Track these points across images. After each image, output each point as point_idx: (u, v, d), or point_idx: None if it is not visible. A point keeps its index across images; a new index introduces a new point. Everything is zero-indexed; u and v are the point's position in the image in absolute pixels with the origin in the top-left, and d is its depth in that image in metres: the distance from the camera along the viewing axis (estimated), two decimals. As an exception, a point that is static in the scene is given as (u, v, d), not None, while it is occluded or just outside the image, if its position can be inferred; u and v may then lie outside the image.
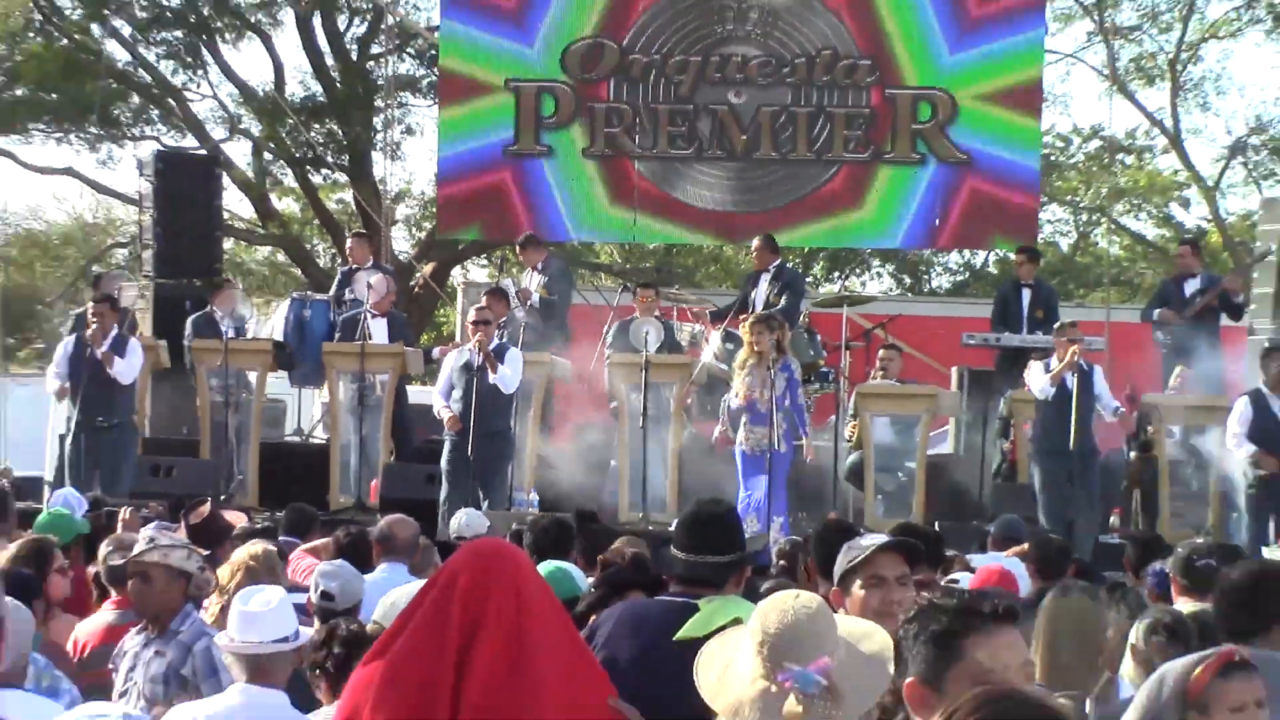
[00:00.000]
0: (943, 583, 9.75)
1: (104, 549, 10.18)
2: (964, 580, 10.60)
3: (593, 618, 7.82)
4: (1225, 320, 22.15)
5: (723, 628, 5.91)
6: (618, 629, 7.27)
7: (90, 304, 20.34)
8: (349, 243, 25.22)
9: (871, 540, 7.10)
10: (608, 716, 5.73)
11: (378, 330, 20.81)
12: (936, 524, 17.17)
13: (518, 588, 5.81)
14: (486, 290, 22.08)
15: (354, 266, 22.59)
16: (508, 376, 18.45)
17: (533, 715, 5.41)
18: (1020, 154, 27.44)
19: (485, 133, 27.16)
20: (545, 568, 8.21)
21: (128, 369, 19.58)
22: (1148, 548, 13.94)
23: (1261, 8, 47.56)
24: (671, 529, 8.07)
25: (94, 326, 19.59)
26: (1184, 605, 8.95)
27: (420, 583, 7.48)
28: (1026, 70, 27.47)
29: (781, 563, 12.07)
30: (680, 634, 6.64)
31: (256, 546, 9.70)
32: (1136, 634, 7.62)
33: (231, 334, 21.08)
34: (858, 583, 6.80)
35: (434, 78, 35.86)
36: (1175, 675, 6.14)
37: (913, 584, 6.80)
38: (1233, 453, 18.39)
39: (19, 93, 41.59)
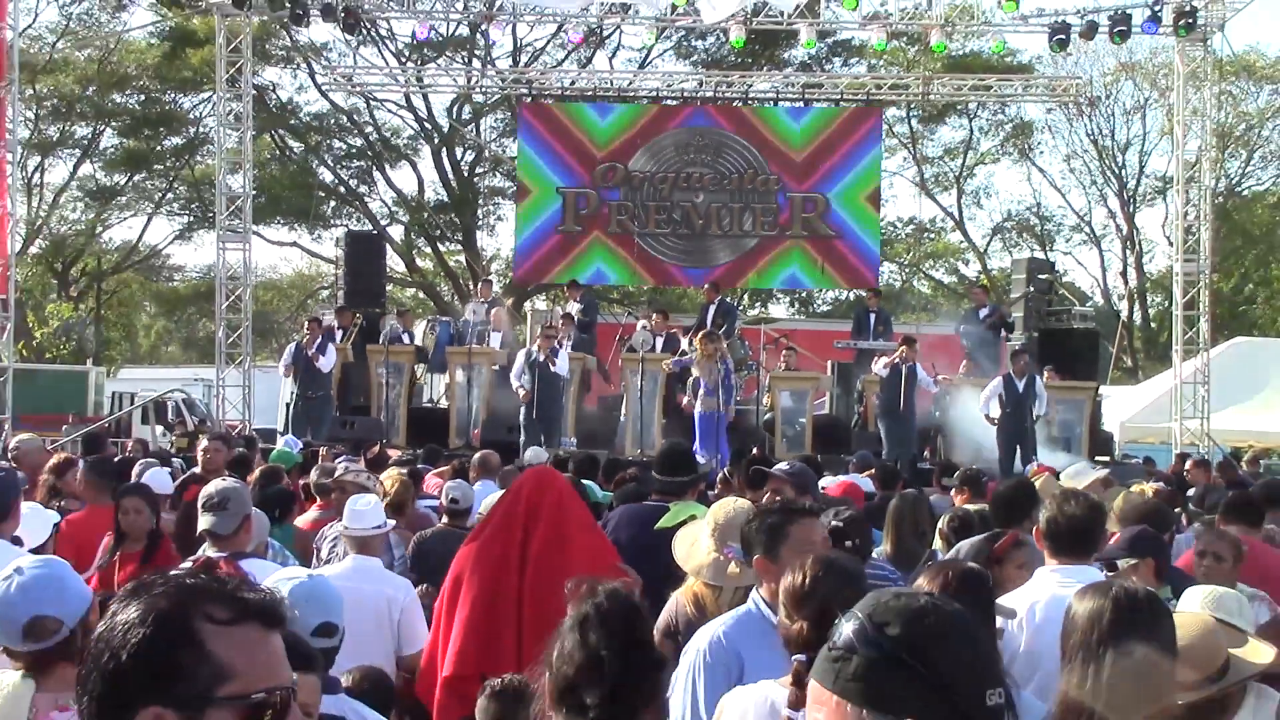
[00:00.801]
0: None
1: (313, 473, 10.10)
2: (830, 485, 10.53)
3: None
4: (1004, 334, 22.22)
5: (685, 521, 5.87)
6: (621, 521, 7.20)
7: (306, 323, 20.50)
8: (480, 285, 25.17)
9: (778, 468, 7.12)
10: (617, 574, 5.68)
11: (495, 340, 20.88)
12: (819, 456, 17.10)
13: (559, 495, 5.79)
14: (562, 314, 22.13)
15: (482, 300, 22.50)
16: (561, 369, 18.50)
17: (569, 571, 5.37)
18: (867, 234, 27.42)
19: (545, 219, 27.12)
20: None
21: (327, 362, 19.62)
22: (946, 470, 13.88)
23: (1010, 145, 47.88)
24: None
25: (307, 337, 19.63)
26: (968, 506, 8.93)
27: (502, 492, 7.44)
28: (869, 179, 27.46)
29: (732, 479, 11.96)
30: (659, 525, 6.55)
31: (397, 470, 9.64)
32: (943, 522, 7.58)
33: (407, 340, 21.50)
34: (767, 495, 6.87)
35: (514, 188, 35.76)
36: (968, 546, 6.07)
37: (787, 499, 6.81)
38: (982, 410, 18.51)
39: (263, 200, 41.71)
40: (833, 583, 3.79)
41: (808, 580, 3.86)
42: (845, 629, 2.16)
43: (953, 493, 10.12)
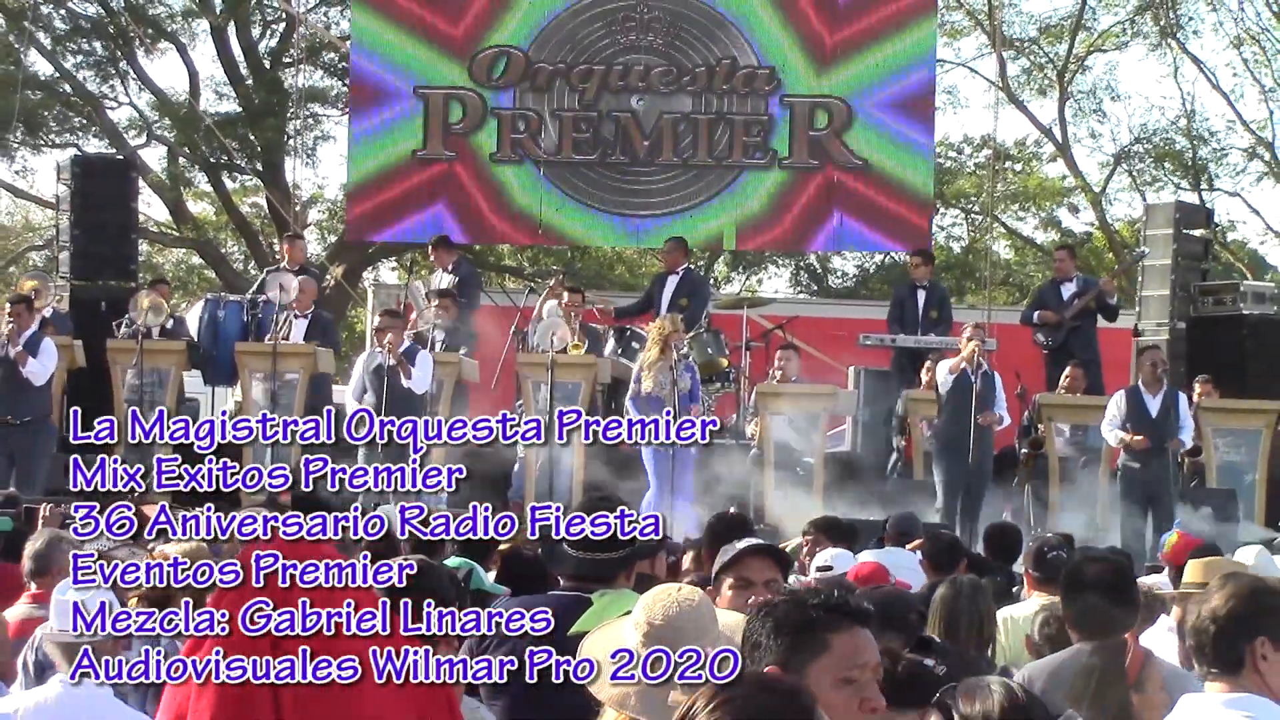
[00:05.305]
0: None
1: (28, 545, 9.96)
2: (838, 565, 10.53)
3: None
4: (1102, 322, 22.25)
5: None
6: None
7: (7, 305, 20.14)
8: (286, 244, 24.98)
9: (746, 543, 7.03)
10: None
11: (298, 329, 20.65)
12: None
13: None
14: (429, 291, 22.07)
15: (279, 266, 22.37)
16: (418, 379, 18.54)
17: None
18: (914, 161, 27.43)
19: (395, 138, 27.02)
20: (454, 561, 8.09)
21: (41, 369, 19.33)
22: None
23: (1146, 21, 47.83)
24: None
25: (9, 326, 19.36)
26: (1038, 597, 8.96)
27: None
28: (917, 75, 27.45)
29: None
30: (575, 628, 6.45)
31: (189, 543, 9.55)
32: (1031, 626, 7.58)
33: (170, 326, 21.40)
34: (728, 582, 6.78)
35: (344, 88, 35.66)
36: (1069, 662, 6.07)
37: (781, 588, 6.72)
38: (1106, 441, 18.61)
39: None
40: None
41: None
42: None
43: (1025, 579, 10.16)
